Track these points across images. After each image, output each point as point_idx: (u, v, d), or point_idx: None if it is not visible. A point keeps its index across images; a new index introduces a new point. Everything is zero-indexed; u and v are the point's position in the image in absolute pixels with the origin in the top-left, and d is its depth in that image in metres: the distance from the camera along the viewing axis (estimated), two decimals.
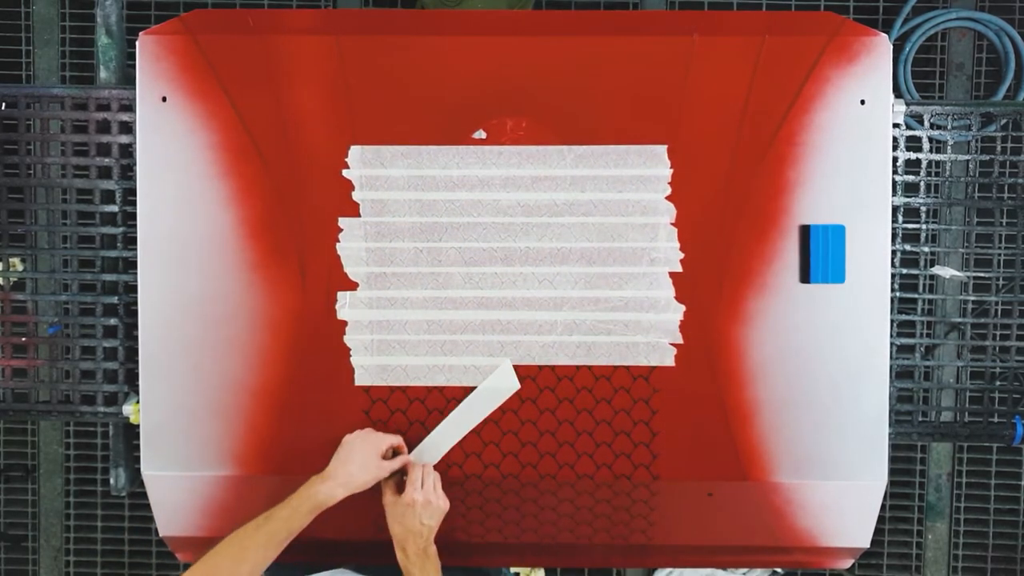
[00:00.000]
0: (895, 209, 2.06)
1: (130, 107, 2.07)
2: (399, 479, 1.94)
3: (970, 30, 3.06)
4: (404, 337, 1.99)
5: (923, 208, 2.11)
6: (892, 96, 1.99)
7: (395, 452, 1.95)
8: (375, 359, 1.99)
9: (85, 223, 2.17)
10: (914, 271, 2.14)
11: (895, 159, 2.05)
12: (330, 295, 1.99)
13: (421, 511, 1.87)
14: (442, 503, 1.90)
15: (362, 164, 1.98)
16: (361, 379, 2.00)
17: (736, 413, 1.98)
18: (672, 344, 1.99)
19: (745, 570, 2.99)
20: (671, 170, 1.98)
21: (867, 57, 1.98)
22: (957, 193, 2.25)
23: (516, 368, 1.99)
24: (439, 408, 2.00)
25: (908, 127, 2.10)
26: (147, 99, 1.99)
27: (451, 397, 2.00)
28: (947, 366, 2.26)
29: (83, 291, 2.18)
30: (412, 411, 2.00)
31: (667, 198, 1.98)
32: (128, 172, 2.11)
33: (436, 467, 1.98)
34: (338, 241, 1.98)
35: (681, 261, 1.98)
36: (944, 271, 2.22)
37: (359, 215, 1.98)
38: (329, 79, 1.98)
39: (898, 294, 2.09)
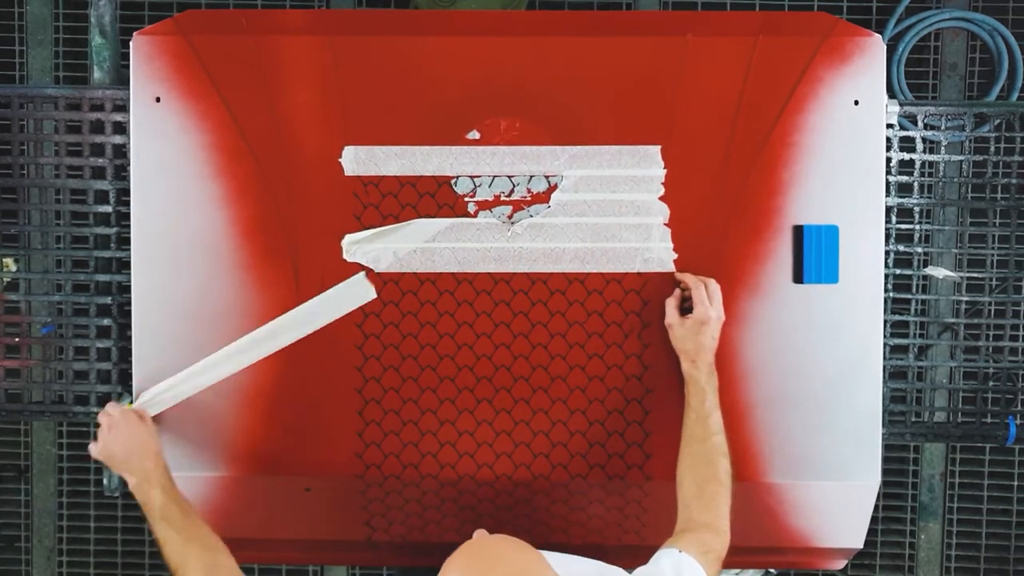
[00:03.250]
0: (888, 209, 2.07)
1: (124, 107, 2.06)
2: (678, 298, 1.96)
3: (963, 30, 3.07)
4: (398, 332, 2.00)
5: (916, 208, 2.11)
6: (886, 96, 2.00)
7: None
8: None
9: (79, 223, 2.17)
10: (907, 271, 2.15)
11: (888, 159, 2.05)
12: None
13: (714, 326, 1.90)
14: (722, 315, 1.93)
15: (356, 164, 1.98)
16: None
17: (729, 413, 1.97)
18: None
19: (738, 570, 2.99)
20: (664, 171, 1.98)
21: (860, 57, 1.98)
22: (951, 194, 2.25)
23: (510, 367, 1.99)
24: (431, 408, 2.00)
25: (901, 127, 2.10)
26: (141, 99, 1.99)
27: (444, 387, 2.00)
28: (940, 366, 2.27)
29: (76, 291, 2.18)
30: (405, 411, 2.00)
31: (660, 199, 1.99)
32: (122, 172, 2.10)
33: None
34: (332, 243, 1.98)
35: (674, 262, 1.99)
36: (937, 271, 2.22)
37: (355, 218, 1.98)
38: (322, 80, 1.98)
39: (891, 294, 2.10)
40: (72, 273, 2.18)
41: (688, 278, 1.95)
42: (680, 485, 1.81)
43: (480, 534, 1.46)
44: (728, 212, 1.98)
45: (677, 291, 1.96)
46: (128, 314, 2.04)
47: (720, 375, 1.95)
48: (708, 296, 1.91)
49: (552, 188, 1.99)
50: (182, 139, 1.98)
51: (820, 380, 2.00)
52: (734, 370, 1.99)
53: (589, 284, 1.99)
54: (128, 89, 2.00)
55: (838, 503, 2.02)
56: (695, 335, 1.90)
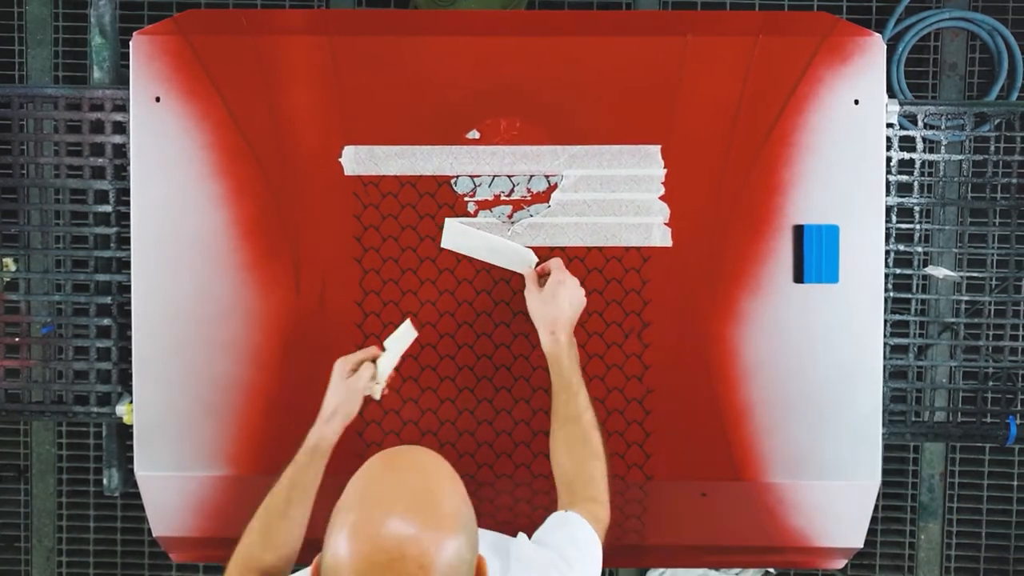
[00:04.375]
0: (889, 209, 2.07)
1: (123, 107, 2.07)
2: (540, 272, 1.93)
3: (963, 30, 3.07)
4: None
5: (917, 208, 2.11)
6: (886, 96, 2.00)
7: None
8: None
9: (78, 223, 2.17)
10: (908, 271, 2.15)
11: (889, 159, 2.06)
12: (324, 295, 1.99)
13: (570, 290, 1.86)
14: (582, 293, 1.89)
15: (356, 164, 1.98)
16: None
17: (729, 413, 1.98)
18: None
19: (738, 570, 2.99)
20: (665, 170, 1.98)
21: (860, 57, 1.98)
22: (951, 193, 2.26)
23: (510, 367, 1.99)
24: (431, 408, 2.00)
25: (901, 127, 2.10)
26: (141, 99, 1.99)
27: (445, 387, 2.00)
28: (940, 366, 2.27)
29: (76, 291, 2.18)
30: (405, 411, 2.00)
31: (661, 198, 1.99)
32: (122, 172, 2.11)
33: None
34: (332, 243, 1.99)
35: (675, 262, 1.98)
36: (938, 271, 2.23)
37: (354, 218, 1.99)
38: (322, 79, 1.98)
39: (892, 294, 2.10)
40: (72, 273, 2.18)
41: (553, 265, 1.92)
42: (557, 465, 1.78)
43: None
44: (728, 211, 1.98)
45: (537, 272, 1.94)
46: (128, 314, 2.04)
47: (720, 375, 1.96)
48: (564, 269, 1.89)
49: (552, 188, 1.99)
50: (182, 139, 1.98)
51: (820, 379, 2.00)
52: (734, 370, 1.99)
53: (589, 284, 1.98)
54: (128, 89, 2.00)
55: (838, 503, 2.02)
56: (552, 299, 1.85)
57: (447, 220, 1.98)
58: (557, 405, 1.81)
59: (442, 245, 1.99)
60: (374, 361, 1.91)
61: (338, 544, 1.21)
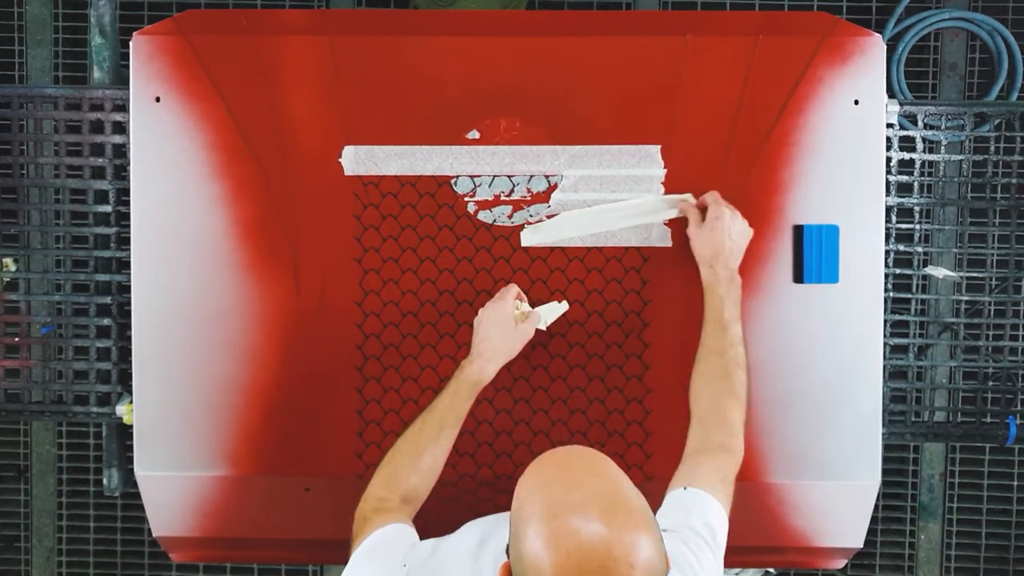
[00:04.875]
0: (889, 209, 2.07)
1: (123, 107, 2.07)
2: (701, 208, 1.94)
3: (963, 30, 3.07)
4: (397, 332, 2.00)
5: (916, 208, 2.11)
6: (885, 96, 2.00)
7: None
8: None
9: (78, 223, 2.17)
10: (908, 271, 2.15)
11: (888, 159, 2.06)
12: (323, 295, 1.99)
13: (730, 226, 1.88)
14: (747, 226, 1.92)
15: (356, 164, 1.98)
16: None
17: None
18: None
19: (738, 570, 2.99)
20: (665, 170, 1.98)
21: (860, 57, 1.98)
22: (950, 193, 2.26)
23: (510, 366, 1.99)
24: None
25: (901, 127, 2.10)
26: (140, 99, 1.99)
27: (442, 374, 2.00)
28: (940, 366, 2.27)
29: (76, 291, 2.18)
30: (405, 411, 2.00)
31: None
32: (121, 172, 2.11)
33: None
34: (332, 243, 1.99)
35: (675, 262, 1.98)
36: (937, 271, 2.23)
37: (354, 218, 1.99)
38: (322, 79, 1.98)
39: (891, 294, 2.10)
40: (72, 273, 2.18)
41: (708, 197, 1.95)
42: (694, 399, 1.79)
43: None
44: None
45: (695, 206, 1.96)
46: (128, 314, 2.04)
47: None
48: (724, 203, 1.91)
49: (552, 188, 1.99)
50: (182, 139, 1.98)
51: (820, 380, 2.00)
52: None
53: (589, 284, 1.99)
54: (128, 89, 2.00)
55: (838, 503, 2.02)
56: (710, 233, 1.89)
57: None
58: (704, 336, 1.84)
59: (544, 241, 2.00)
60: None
61: (538, 554, 1.19)
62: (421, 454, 1.77)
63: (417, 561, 1.53)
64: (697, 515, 1.60)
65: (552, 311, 1.97)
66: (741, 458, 1.75)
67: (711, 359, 1.81)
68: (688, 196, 1.97)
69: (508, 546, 1.25)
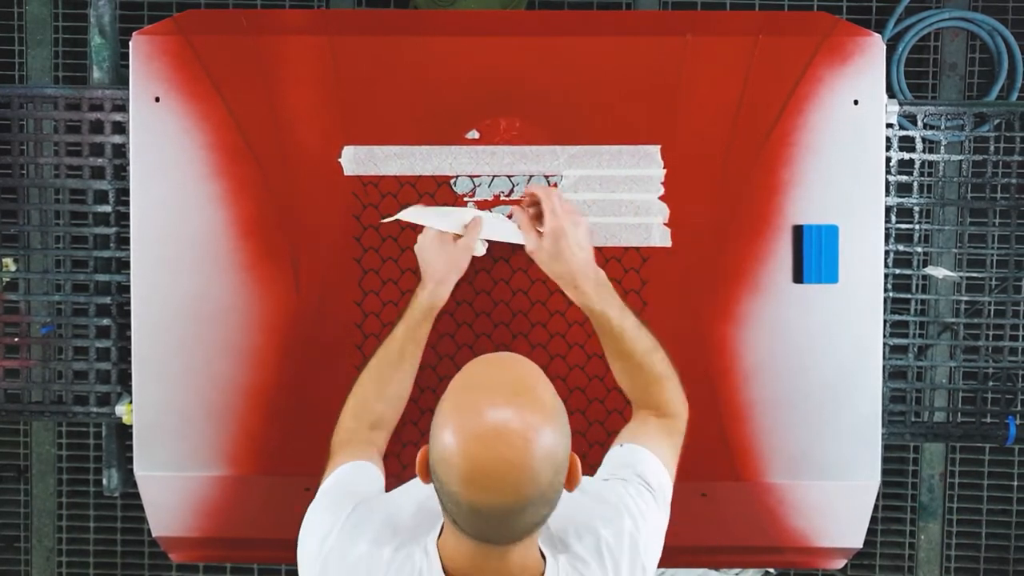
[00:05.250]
0: (888, 209, 2.07)
1: (123, 107, 2.06)
2: (536, 216, 1.82)
3: (963, 30, 3.07)
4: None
5: (916, 208, 2.11)
6: (885, 96, 2.00)
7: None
8: None
9: (78, 223, 2.17)
10: (907, 271, 2.15)
11: (888, 159, 2.06)
12: (323, 295, 1.99)
13: (571, 234, 1.76)
14: (584, 220, 1.83)
15: (355, 164, 1.98)
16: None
17: (729, 413, 1.98)
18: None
19: (738, 570, 2.99)
20: (664, 170, 1.98)
21: (860, 57, 1.98)
22: (950, 193, 2.26)
23: None
24: (431, 408, 1.99)
25: (901, 127, 2.10)
26: (140, 99, 1.99)
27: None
28: (940, 366, 2.27)
29: (76, 291, 2.18)
30: (405, 411, 2.00)
31: (660, 198, 1.99)
32: (121, 172, 2.11)
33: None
34: (332, 243, 1.99)
35: (675, 262, 1.98)
36: (937, 271, 2.23)
37: (354, 218, 1.99)
38: (322, 79, 1.98)
39: (891, 294, 2.10)
40: (71, 273, 2.18)
41: (535, 188, 1.86)
42: (626, 391, 1.81)
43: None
44: (728, 212, 1.98)
45: (523, 211, 1.85)
46: (128, 314, 2.04)
47: (720, 375, 1.96)
48: (553, 205, 1.79)
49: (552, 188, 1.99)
50: (182, 139, 1.98)
51: (820, 380, 2.00)
52: (734, 370, 1.99)
53: None
54: (128, 89, 2.00)
55: (838, 503, 2.02)
56: (558, 254, 1.77)
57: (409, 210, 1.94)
58: (607, 348, 1.82)
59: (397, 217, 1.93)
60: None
61: (444, 432, 1.31)
62: (386, 381, 1.82)
63: (366, 505, 1.57)
64: (636, 468, 1.64)
65: (497, 225, 1.90)
66: (686, 418, 1.78)
67: (621, 362, 1.80)
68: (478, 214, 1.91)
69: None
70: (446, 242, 1.85)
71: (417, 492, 1.55)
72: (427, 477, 1.37)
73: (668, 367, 1.79)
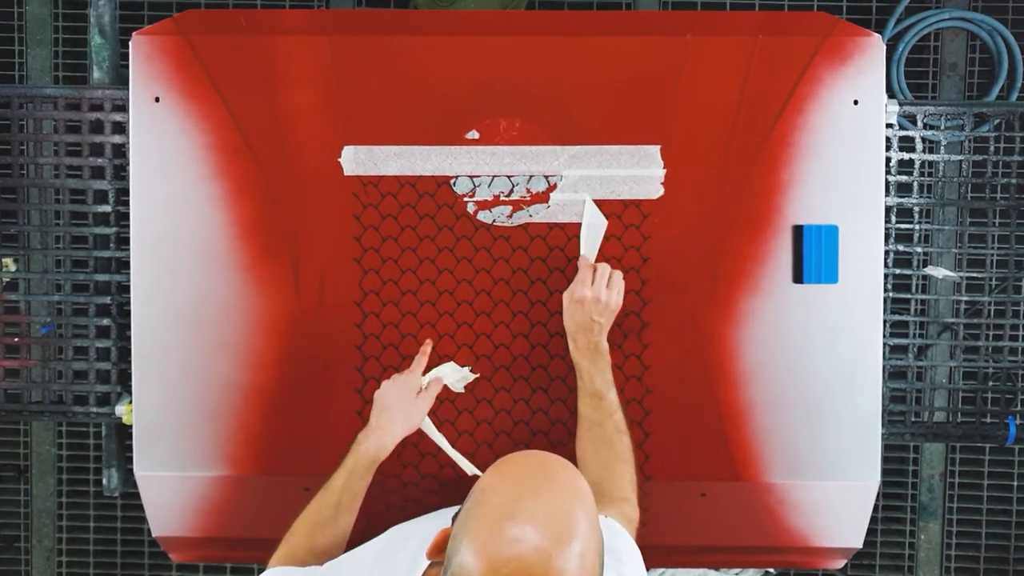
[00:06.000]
0: (888, 209, 2.07)
1: (123, 107, 2.07)
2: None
3: (963, 30, 3.06)
4: (397, 332, 2.00)
5: (916, 208, 2.11)
6: (885, 96, 2.00)
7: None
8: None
9: (78, 223, 2.17)
10: (907, 271, 2.15)
11: (888, 159, 2.06)
12: (323, 295, 1.99)
13: (591, 307, 1.85)
14: (614, 300, 1.87)
15: (355, 164, 1.98)
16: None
17: (729, 413, 1.98)
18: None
19: (738, 570, 2.99)
20: (664, 170, 1.98)
21: (860, 57, 1.98)
22: (950, 193, 2.26)
23: (509, 367, 1.99)
24: (430, 408, 2.00)
25: (901, 127, 2.10)
26: (140, 99, 1.99)
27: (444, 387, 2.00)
28: (940, 366, 2.27)
29: (76, 291, 2.18)
30: None
31: (660, 198, 1.98)
32: (121, 172, 2.11)
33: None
34: (332, 243, 1.98)
35: (675, 261, 1.98)
36: (937, 271, 2.22)
37: (354, 218, 1.99)
38: (322, 79, 1.98)
39: (891, 294, 2.10)
40: (71, 273, 2.18)
41: (583, 260, 1.93)
42: (583, 466, 1.80)
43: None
44: (728, 212, 1.98)
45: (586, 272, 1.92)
46: (127, 314, 2.04)
47: (720, 375, 1.95)
48: (597, 279, 1.87)
49: (552, 188, 1.99)
50: (182, 139, 1.98)
51: (820, 380, 2.00)
52: (734, 370, 1.99)
53: None
54: (127, 89, 2.00)
55: (838, 503, 2.02)
56: (572, 314, 1.87)
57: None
58: (581, 407, 1.85)
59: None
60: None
61: (466, 551, 1.18)
62: (317, 537, 1.76)
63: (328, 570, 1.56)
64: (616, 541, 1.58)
65: (456, 374, 1.99)
66: (638, 515, 1.77)
67: (593, 429, 1.83)
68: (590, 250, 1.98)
69: (455, 515, 1.25)
70: (411, 396, 1.90)
71: (373, 545, 1.56)
72: (437, 558, 1.28)
73: (631, 454, 1.82)
